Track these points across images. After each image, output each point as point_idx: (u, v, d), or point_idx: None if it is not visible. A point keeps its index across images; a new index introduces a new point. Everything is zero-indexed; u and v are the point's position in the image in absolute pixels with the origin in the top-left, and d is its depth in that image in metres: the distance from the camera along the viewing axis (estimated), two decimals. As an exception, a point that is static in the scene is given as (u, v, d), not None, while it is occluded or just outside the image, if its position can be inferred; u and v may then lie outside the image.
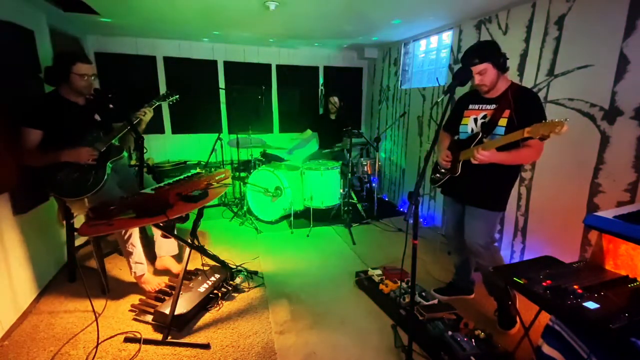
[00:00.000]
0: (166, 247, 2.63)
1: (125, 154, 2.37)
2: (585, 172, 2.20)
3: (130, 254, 2.30)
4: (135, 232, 2.33)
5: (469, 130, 1.97)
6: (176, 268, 2.62)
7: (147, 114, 2.31)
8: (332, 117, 4.32)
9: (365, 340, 1.98)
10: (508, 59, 1.83)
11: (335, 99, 4.18)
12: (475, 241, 1.99)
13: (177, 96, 2.56)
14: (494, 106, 1.85)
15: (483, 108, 1.92)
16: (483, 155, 1.74)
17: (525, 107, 1.76)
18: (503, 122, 1.79)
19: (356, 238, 3.37)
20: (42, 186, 2.12)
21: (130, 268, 2.33)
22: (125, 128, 2.20)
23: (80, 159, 2.04)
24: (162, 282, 2.43)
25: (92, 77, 2.10)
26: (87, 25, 3.43)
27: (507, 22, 2.70)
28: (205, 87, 4.46)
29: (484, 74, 1.79)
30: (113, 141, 2.21)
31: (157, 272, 2.61)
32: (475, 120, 1.94)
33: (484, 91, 1.89)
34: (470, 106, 1.99)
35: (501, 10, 2.73)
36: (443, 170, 2.12)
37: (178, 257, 2.73)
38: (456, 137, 2.09)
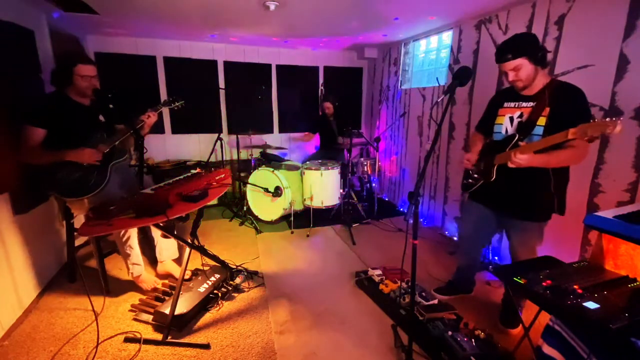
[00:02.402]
0: (166, 251, 2.62)
1: (127, 155, 2.38)
2: (585, 172, 2.20)
3: (128, 255, 2.31)
4: (133, 234, 2.33)
5: (504, 131, 1.84)
6: (178, 272, 2.61)
7: (151, 118, 2.32)
8: (331, 118, 4.34)
9: (365, 340, 1.98)
10: (549, 51, 1.69)
11: (328, 104, 4.21)
12: (522, 254, 1.87)
13: (183, 102, 2.56)
14: (531, 104, 1.72)
15: (520, 106, 1.78)
16: (520, 159, 1.60)
17: (566, 104, 1.61)
18: (542, 121, 1.65)
19: (356, 238, 3.37)
20: (42, 185, 2.12)
21: (128, 269, 2.36)
22: (129, 132, 2.20)
23: (83, 160, 2.04)
24: (158, 280, 2.46)
25: (96, 78, 2.10)
26: (87, 25, 3.43)
27: (507, 22, 2.70)
28: (205, 87, 4.46)
29: (518, 69, 1.66)
30: (116, 143, 2.22)
31: (160, 277, 2.59)
32: (511, 119, 1.80)
33: (519, 87, 1.75)
34: (506, 104, 1.86)
35: (501, 10, 2.73)
36: (476, 176, 1.99)
37: (179, 261, 2.73)
38: (487, 139, 1.99)
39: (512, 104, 1.83)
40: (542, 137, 1.65)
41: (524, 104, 1.77)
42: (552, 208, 1.79)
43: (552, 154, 1.61)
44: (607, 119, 1.31)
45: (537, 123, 1.67)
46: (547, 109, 1.65)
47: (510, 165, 1.66)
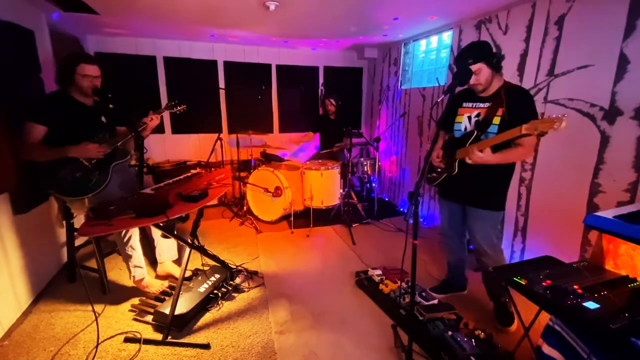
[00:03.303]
0: (167, 252, 2.60)
1: (129, 156, 2.38)
2: (585, 172, 2.20)
3: (130, 257, 2.28)
4: (134, 235, 2.31)
5: (463, 128, 1.99)
6: (178, 273, 2.61)
7: (153, 120, 2.32)
8: (332, 117, 4.33)
9: (365, 340, 1.98)
10: (502, 59, 1.87)
11: (332, 101, 4.19)
12: (482, 242, 2.01)
13: (185, 106, 2.57)
14: (487, 104, 1.88)
15: (477, 106, 1.94)
16: (479, 156, 1.77)
17: (517, 104, 1.78)
18: (497, 120, 1.82)
19: (356, 238, 3.37)
20: (43, 184, 2.12)
21: (130, 272, 2.31)
22: (130, 133, 2.20)
23: (88, 155, 2.04)
24: (164, 284, 2.42)
25: (98, 78, 2.10)
26: (87, 25, 3.43)
27: (507, 22, 2.70)
28: (205, 87, 4.45)
29: (478, 73, 1.82)
30: (118, 144, 2.22)
31: (160, 278, 2.58)
32: (469, 118, 1.96)
33: (479, 90, 1.91)
34: (464, 104, 2.01)
35: (501, 10, 2.73)
36: (439, 170, 2.14)
37: (179, 262, 2.72)
38: (447, 136, 2.13)
39: (470, 105, 1.98)
40: (496, 134, 1.80)
41: (481, 105, 1.92)
42: (502, 199, 1.99)
43: (504, 153, 1.80)
44: (554, 116, 1.48)
45: (492, 122, 1.83)
46: (501, 109, 1.81)
47: (468, 161, 1.82)
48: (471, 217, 2.06)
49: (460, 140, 1.98)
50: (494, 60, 1.82)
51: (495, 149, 1.78)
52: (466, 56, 1.82)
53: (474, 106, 1.96)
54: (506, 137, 1.71)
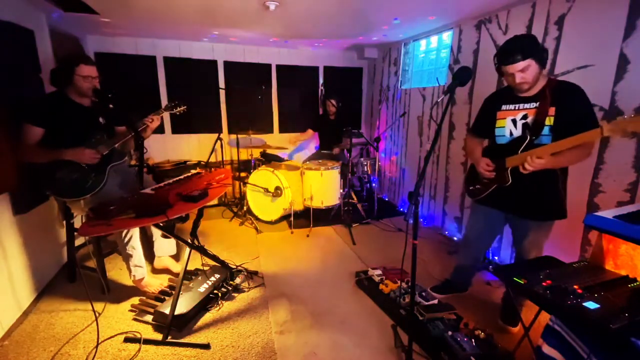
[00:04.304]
0: (165, 247, 2.63)
1: (126, 158, 2.38)
2: (585, 172, 2.20)
3: (130, 256, 2.28)
4: (135, 234, 2.31)
5: (507, 134, 1.82)
6: (176, 267, 2.62)
7: (154, 122, 2.31)
8: (332, 117, 4.34)
9: (365, 340, 1.98)
10: (547, 53, 1.70)
11: (333, 102, 4.19)
12: (531, 251, 1.89)
13: (185, 107, 2.57)
14: (533, 104, 1.70)
15: (521, 108, 1.76)
16: (540, 163, 1.60)
17: (571, 102, 1.62)
18: (549, 121, 1.64)
19: (356, 238, 3.37)
20: (40, 185, 2.12)
21: (130, 271, 2.31)
22: (130, 134, 2.20)
23: (82, 160, 2.04)
24: (163, 283, 2.42)
25: (96, 79, 2.10)
26: (87, 25, 3.43)
27: (507, 22, 2.70)
28: (205, 87, 4.45)
29: (526, 71, 1.64)
30: (116, 145, 2.21)
31: (156, 272, 2.61)
32: (514, 121, 1.78)
33: (524, 89, 1.72)
34: (504, 107, 1.84)
35: (501, 10, 2.73)
36: (486, 181, 1.95)
37: (176, 257, 2.73)
38: (485, 143, 1.97)
39: (512, 107, 1.81)
40: (550, 137, 1.65)
41: (526, 105, 1.75)
42: (563, 206, 1.80)
43: (567, 155, 1.61)
44: None
45: (545, 123, 1.66)
46: (553, 109, 1.64)
47: (526, 167, 1.65)
48: (525, 228, 1.89)
49: (507, 146, 1.79)
50: (544, 55, 1.65)
51: (554, 154, 1.62)
52: (513, 51, 1.63)
53: (517, 107, 1.77)
54: (581, 140, 1.50)
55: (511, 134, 1.81)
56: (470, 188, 2.08)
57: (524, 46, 1.63)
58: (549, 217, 1.83)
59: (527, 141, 1.71)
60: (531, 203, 1.81)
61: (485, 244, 2.18)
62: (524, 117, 1.75)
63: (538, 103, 1.70)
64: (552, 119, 1.65)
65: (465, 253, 2.31)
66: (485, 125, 1.96)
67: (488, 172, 1.89)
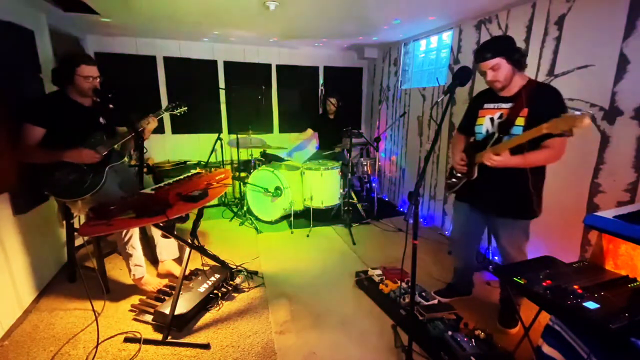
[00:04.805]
0: (167, 250, 2.61)
1: (125, 159, 2.37)
2: (585, 172, 2.20)
3: (130, 256, 2.28)
4: (135, 234, 2.31)
5: (484, 131, 1.88)
6: (179, 271, 2.61)
7: (150, 124, 2.30)
8: (331, 117, 4.33)
9: (365, 340, 1.98)
10: (525, 55, 1.72)
11: (334, 100, 4.19)
12: (510, 250, 1.93)
13: (186, 108, 2.56)
14: (510, 104, 1.76)
15: (499, 107, 1.82)
16: (496, 159, 1.67)
17: (542, 103, 1.65)
18: (520, 121, 1.69)
19: (356, 238, 3.37)
20: (38, 185, 2.12)
21: (130, 271, 2.32)
22: (130, 135, 2.20)
23: (81, 160, 2.04)
24: (162, 282, 2.43)
25: (97, 79, 2.10)
26: (87, 25, 3.43)
27: (507, 22, 2.70)
28: (205, 87, 4.45)
29: (497, 69, 1.69)
30: (115, 146, 2.21)
31: (161, 277, 2.59)
32: (492, 120, 1.84)
33: (497, 88, 1.79)
34: (486, 105, 1.90)
35: (501, 10, 2.73)
36: (459, 175, 2.03)
37: (179, 260, 2.72)
38: (472, 139, 2.02)
39: (492, 105, 1.86)
40: (517, 136, 1.69)
41: (503, 105, 1.80)
42: (532, 206, 1.83)
43: (528, 155, 1.67)
44: (577, 113, 1.35)
45: (516, 123, 1.71)
46: (526, 110, 1.69)
47: (487, 162, 1.72)
48: (499, 226, 1.94)
49: (481, 143, 1.87)
50: (516, 56, 1.68)
51: (519, 151, 1.67)
52: (485, 49, 1.70)
53: (496, 107, 1.83)
54: (526, 138, 1.58)
55: (487, 131, 1.87)
56: (447, 181, 2.17)
57: (495, 45, 1.71)
58: (516, 215, 1.86)
59: (494, 138, 1.78)
60: (497, 200, 1.87)
61: (471, 242, 2.20)
62: (500, 116, 1.80)
63: (513, 103, 1.75)
64: (523, 119, 1.69)
65: (456, 254, 2.35)
66: (469, 122, 2.02)
67: (460, 166, 1.97)
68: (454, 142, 2.15)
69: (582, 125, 1.34)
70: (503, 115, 1.79)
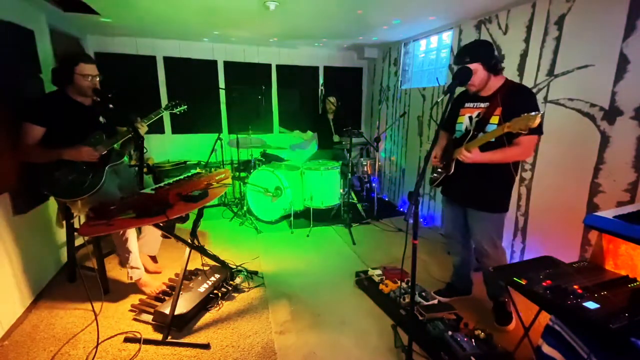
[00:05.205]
0: (148, 246, 2.63)
1: (125, 159, 2.37)
2: (585, 172, 2.20)
3: (127, 258, 2.29)
4: (132, 236, 2.31)
5: (464, 129, 1.97)
6: (152, 267, 2.64)
7: (140, 129, 2.22)
8: (330, 116, 4.33)
9: (365, 340, 1.98)
10: (501, 61, 1.84)
11: (333, 99, 4.19)
12: (483, 243, 2.01)
13: (185, 106, 2.56)
14: (486, 104, 1.86)
15: (477, 106, 1.92)
16: (467, 155, 1.77)
17: (514, 103, 1.74)
18: (495, 120, 1.79)
19: (356, 238, 3.37)
20: (38, 185, 2.12)
21: (127, 272, 2.33)
22: (129, 134, 2.19)
23: (81, 158, 2.03)
24: (161, 284, 2.42)
25: (97, 78, 2.10)
26: (87, 25, 3.43)
27: (507, 22, 2.70)
28: (205, 87, 4.46)
29: (474, 73, 1.79)
30: (114, 145, 2.21)
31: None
32: (471, 118, 1.94)
33: (472, 91, 1.91)
34: (466, 104, 2.00)
35: (501, 10, 2.73)
36: (439, 170, 2.14)
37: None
38: (454, 136, 2.10)
39: (472, 105, 1.96)
40: (485, 134, 1.79)
41: (481, 105, 1.90)
42: (498, 200, 1.96)
43: (498, 151, 1.79)
44: (531, 113, 1.50)
45: (490, 121, 1.81)
46: (499, 109, 1.78)
47: (459, 158, 1.82)
48: (472, 218, 2.05)
49: (459, 140, 1.97)
50: (492, 62, 1.79)
51: (489, 148, 1.78)
52: (464, 54, 1.81)
53: (475, 106, 1.94)
54: (491, 136, 1.72)
55: (467, 129, 1.96)
56: (430, 176, 2.28)
57: (474, 51, 1.81)
58: (486, 208, 1.97)
59: (469, 136, 1.87)
60: (469, 193, 2.00)
61: (460, 237, 2.24)
62: (478, 115, 1.90)
63: (489, 103, 1.85)
64: (497, 117, 1.78)
65: (450, 249, 2.40)
66: (450, 120, 2.09)
67: (435, 160, 2.14)
68: (434, 138, 2.27)
69: (534, 123, 1.49)
70: (481, 114, 1.88)
